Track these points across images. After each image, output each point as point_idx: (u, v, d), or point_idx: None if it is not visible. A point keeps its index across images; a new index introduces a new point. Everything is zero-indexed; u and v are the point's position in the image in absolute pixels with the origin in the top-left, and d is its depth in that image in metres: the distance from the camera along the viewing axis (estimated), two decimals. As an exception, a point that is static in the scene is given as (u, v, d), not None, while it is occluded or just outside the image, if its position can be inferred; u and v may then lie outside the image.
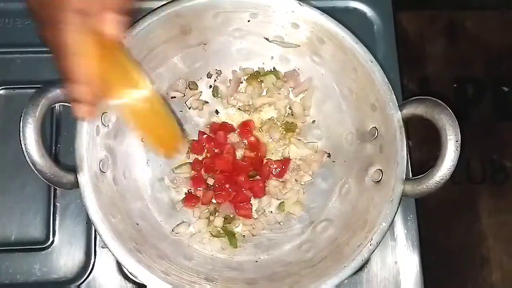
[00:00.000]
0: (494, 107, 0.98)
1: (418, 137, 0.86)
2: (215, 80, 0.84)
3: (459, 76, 0.99)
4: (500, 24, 1.01)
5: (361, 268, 0.78)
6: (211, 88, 0.84)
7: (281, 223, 0.80)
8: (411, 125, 0.72)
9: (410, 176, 0.81)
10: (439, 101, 0.68)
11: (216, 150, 0.82)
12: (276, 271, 0.74)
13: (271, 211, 0.81)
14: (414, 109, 0.70)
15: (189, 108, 0.83)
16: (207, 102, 0.84)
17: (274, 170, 0.81)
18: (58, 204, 0.80)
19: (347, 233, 0.73)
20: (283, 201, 0.81)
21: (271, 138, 0.83)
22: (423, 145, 0.89)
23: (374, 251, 0.68)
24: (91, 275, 0.78)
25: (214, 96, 0.84)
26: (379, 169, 0.74)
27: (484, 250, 0.91)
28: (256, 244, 0.78)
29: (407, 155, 0.71)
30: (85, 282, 0.77)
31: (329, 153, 0.82)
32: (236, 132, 0.83)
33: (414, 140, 0.85)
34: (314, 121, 0.84)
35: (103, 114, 0.71)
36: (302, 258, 0.74)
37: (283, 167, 0.81)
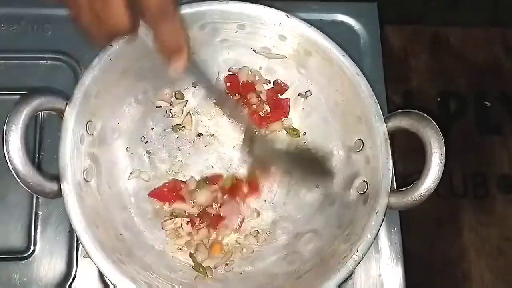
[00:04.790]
0: (477, 121, 0.99)
1: (401, 149, 0.87)
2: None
3: (442, 91, 1.00)
4: (483, 40, 1.03)
5: (345, 280, 0.77)
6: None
7: (268, 233, 0.80)
8: (394, 137, 0.73)
9: (395, 188, 0.81)
10: (425, 114, 0.69)
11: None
12: (261, 283, 0.73)
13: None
14: (399, 122, 0.71)
15: (173, 117, 0.83)
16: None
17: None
18: (40, 213, 0.79)
19: (332, 245, 0.73)
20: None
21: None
22: (406, 157, 0.89)
23: (359, 263, 0.68)
24: (72, 285, 0.76)
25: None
26: (365, 181, 0.74)
27: (466, 264, 0.91)
28: (241, 256, 0.78)
29: (392, 167, 0.71)
30: (66, 293, 0.76)
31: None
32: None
33: (398, 152, 0.85)
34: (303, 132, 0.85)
35: (88, 122, 0.70)
36: (287, 270, 0.74)
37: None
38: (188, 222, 0.77)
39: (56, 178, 0.65)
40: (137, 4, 0.55)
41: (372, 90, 0.73)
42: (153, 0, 0.55)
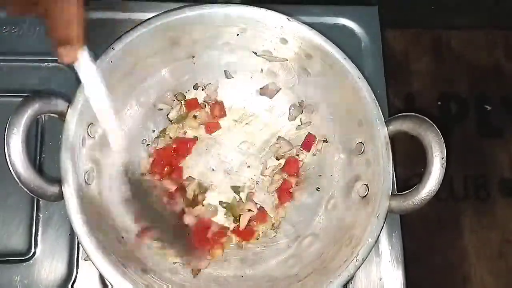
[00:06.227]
0: (478, 124, 0.99)
1: (402, 153, 0.87)
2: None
3: (443, 94, 1.00)
4: (484, 43, 1.02)
5: (346, 284, 0.77)
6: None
7: (269, 236, 0.80)
8: (395, 140, 0.73)
9: (395, 191, 0.81)
10: (425, 118, 0.69)
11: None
12: (262, 286, 0.74)
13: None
14: (400, 125, 0.71)
15: (172, 122, 0.83)
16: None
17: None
18: (41, 215, 0.79)
19: (333, 248, 0.73)
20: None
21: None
22: (407, 160, 0.89)
23: (360, 266, 0.68)
24: (73, 287, 0.76)
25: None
26: (365, 184, 0.74)
27: (466, 267, 0.91)
28: (242, 259, 0.78)
29: (393, 171, 0.71)
30: (67, 295, 0.76)
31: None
32: None
33: (399, 156, 0.85)
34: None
35: (89, 125, 0.70)
36: (288, 273, 0.74)
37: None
38: None
39: (57, 181, 0.65)
40: None
41: (373, 93, 0.74)
42: None
